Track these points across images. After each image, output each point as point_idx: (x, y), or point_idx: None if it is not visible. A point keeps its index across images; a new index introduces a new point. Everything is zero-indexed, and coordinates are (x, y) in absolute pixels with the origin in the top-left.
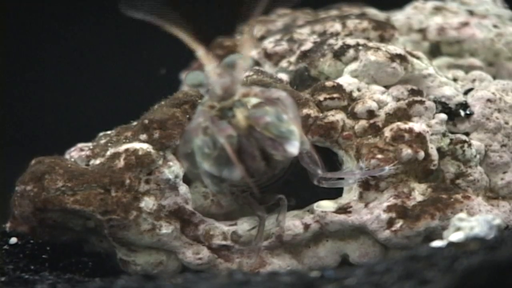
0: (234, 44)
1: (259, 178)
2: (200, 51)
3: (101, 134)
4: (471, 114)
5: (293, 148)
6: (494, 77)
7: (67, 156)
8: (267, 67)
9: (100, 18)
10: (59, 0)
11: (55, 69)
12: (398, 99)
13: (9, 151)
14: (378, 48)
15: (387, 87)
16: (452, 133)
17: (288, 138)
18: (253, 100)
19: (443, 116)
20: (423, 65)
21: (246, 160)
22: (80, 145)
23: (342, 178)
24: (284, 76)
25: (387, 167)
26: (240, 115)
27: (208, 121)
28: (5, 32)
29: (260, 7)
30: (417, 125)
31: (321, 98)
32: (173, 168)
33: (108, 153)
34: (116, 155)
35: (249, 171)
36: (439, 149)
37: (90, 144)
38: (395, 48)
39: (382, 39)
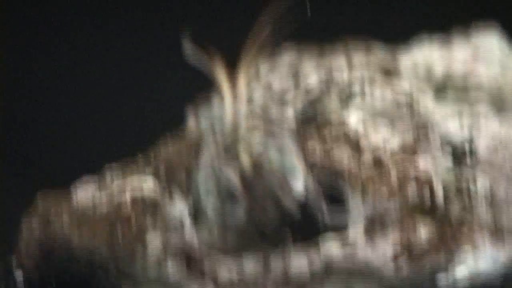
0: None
1: (265, 218)
2: (226, 88)
3: (105, 167)
4: (476, 150)
5: (298, 184)
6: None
7: (72, 189)
8: (271, 103)
9: (104, 49)
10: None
11: (59, 95)
12: (404, 135)
13: (13, 181)
14: (384, 85)
15: (393, 122)
16: (457, 169)
17: (292, 173)
18: (257, 136)
19: (449, 151)
20: (429, 101)
21: (250, 199)
22: (84, 178)
23: (347, 214)
24: (288, 112)
25: (392, 203)
26: (244, 153)
27: (213, 157)
28: (7, 57)
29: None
30: (423, 161)
31: (326, 133)
32: (179, 204)
33: (113, 188)
34: (121, 190)
35: (253, 210)
36: (444, 185)
37: (95, 178)
38: (401, 85)
39: (388, 76)
